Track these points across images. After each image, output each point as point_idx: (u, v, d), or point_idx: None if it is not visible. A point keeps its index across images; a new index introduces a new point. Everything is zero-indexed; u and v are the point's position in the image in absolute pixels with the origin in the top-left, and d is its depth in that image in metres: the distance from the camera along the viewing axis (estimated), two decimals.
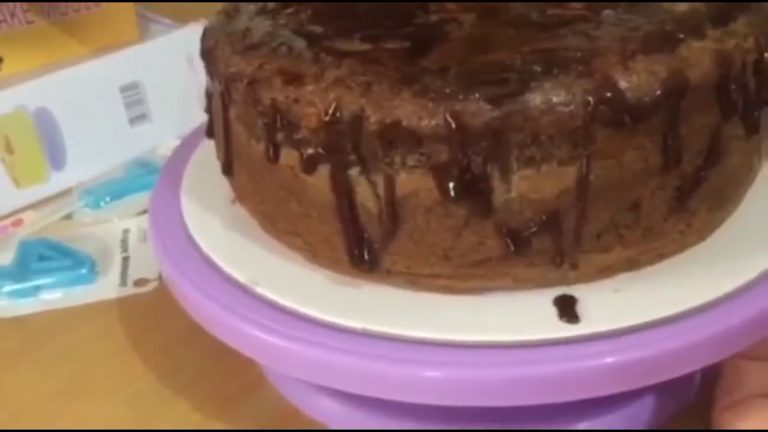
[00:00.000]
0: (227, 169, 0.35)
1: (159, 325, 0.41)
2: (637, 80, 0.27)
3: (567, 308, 0.29)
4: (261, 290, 0.31)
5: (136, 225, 0.49)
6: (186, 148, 0.41)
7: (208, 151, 0.39)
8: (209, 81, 0.35)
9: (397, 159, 0.27)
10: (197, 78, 0.57)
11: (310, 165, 0.29)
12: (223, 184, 0.36)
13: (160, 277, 0.44)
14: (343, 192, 0.29)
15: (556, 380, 0.27)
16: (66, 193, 0.53)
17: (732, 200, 0.32)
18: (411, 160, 0.27)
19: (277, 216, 0.32)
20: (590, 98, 0.26)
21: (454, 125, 0.26)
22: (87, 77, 0.53)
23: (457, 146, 0.27)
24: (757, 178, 0.33)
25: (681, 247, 0.30)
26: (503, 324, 0.28)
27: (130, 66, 0.54)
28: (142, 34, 0.56)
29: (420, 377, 0.28)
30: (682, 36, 0.28)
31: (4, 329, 0.42)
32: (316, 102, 0.28)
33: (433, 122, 0.27)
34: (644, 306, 0.28)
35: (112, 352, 0.40)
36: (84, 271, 0.45)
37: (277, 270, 0.32)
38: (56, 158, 0.53)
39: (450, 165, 0.27)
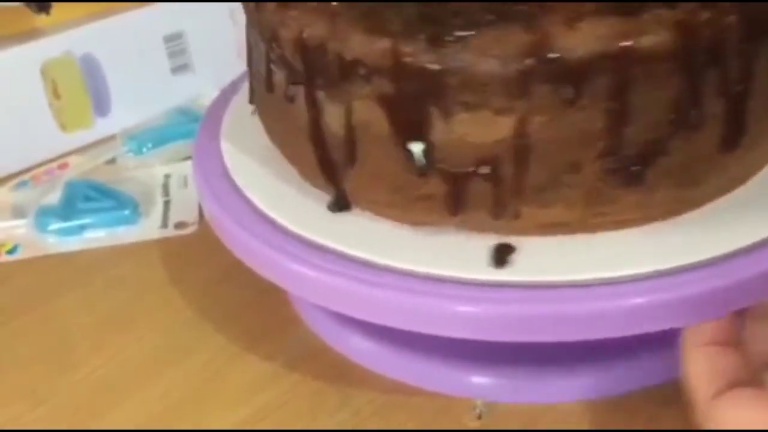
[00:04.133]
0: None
1: (198, 265, 0.43)
2: (578, 42, 0.26)
3: (501, 254, 0.29)
4: (300, 230, 0.32)
5: (177, 171, 0.51)
6: (226, 96, 0.43)
7: (246, 99, 0.40)
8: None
9: (353, 88, 0.29)
10: (238, 30, 0.58)
11: (290, 84, 0.32)
12: (259, 130, 0.38)
13: (199, 221, 0.46)
14: (313, 113, 0.31)
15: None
16: (110, 138, 0.54)
17: (708, 182, 0.30)
18: (364, 91, 0.29)
19: (279, 136, 0.35)
20: (525, 54, 0.27)
21: (394, 63, 0.28)
22: (132, 25, 0.54)
23: (400, 83, 0.28)
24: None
25: (643, 219, 0.30)
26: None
27: (173, 16, 0.55)
28: None
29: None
30: (648, 2, 0.27)
31: (53, 264, 0.44)
32: (292, 26, 0.30)
33: (378, 58, 0.28)
34: (572, 267, 0.29)
35: (153, 288, 0.42)
36: (127, 212, 0.47)
37: (314, 209, 0.33)
38: (101, 104, 0.55)
39: (395, 99, 0.29)
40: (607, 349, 0.33)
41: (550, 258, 0.29)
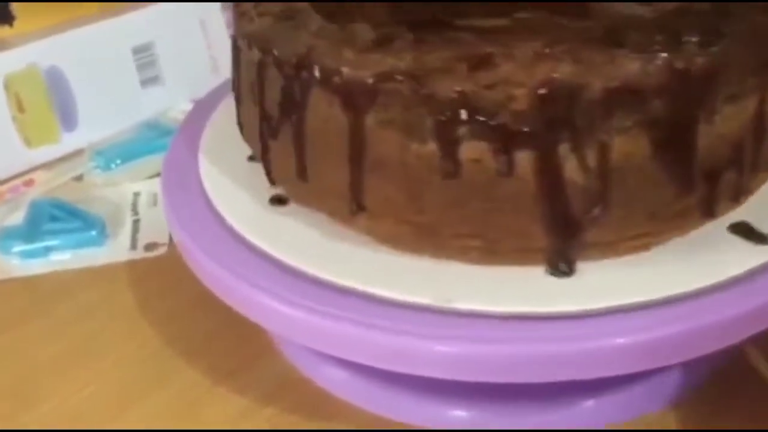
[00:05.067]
0: (353, 189, 0.30)
1: (169, 290, 0.41)
2: None
3: (752, 232, 0.30)
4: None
5: (147, 188, 0.49)
6: (201, 110, 0.41)
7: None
8: (285, 94, 0.31)
9: (614, 123, 0.27)
10: (209, 42, 0.56)
11: (510, 152, 0.27)
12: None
13: (169, 242, 0.44)
14: (553, 172, 0.27)
15: None
16: (77, 153, 0.52)
17: None
18: (628, 122, 0.27)
19: (444, 222, 0.29)
20: None
21: (672, 78, 0.27)
22: (100, 37, 0.52)
23: (678, 97, 0.27)
24: None
25: None
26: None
27: (143, 27, 0.54)
28: None
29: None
30: None
31: (15, 288, 0.43)
32: (524, 81, 0.27)
33: (658, 76, 0.27)
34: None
35: (122, 315, 0.40)
36: (94, 233, 0.45)
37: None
38: (67, 118, 0.53)
39: (668, 117, 0.27)
40: (589, 383, 0.32)
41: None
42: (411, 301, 0.28)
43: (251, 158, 0.36)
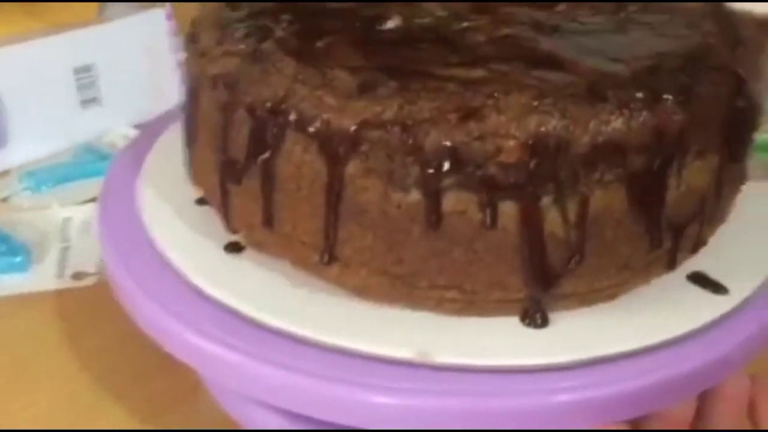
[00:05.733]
0: (327, 238, 0.29)
1: (97, 323, 0.39)
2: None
3: (709, 282, 0.31)
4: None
5: (79, 214, 0.47)
6: (145, 135, 0.40)
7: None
8: (254, 137, 0.29)
9: (595, 177, 0.27)
10: (154, 65, 0.55)
11: (495, 203, 0.27)
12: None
13: (100, 272, 0.42)
14: (535, 224, 0.27)
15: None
16: (5, 174, 0.50)
17: None
18: (609, 175, 0.28)
19: (422, 273, 0.29)
20: (732, 94, 0.30)
21: (656, 131, 0.27)
22: (40, 55, 0.50)
23: (656, 152, 0.28)
24: None
25: None
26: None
27: (85, 47, 0.52)
28: (101, 13, 0.54)
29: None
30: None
31: None
32: (514, 133, 0.26)
33: (641, 132, 0.27)
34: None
35: (45, 348, 0.38)
36: (18, 259, 0.43)
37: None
38: None
39: (645, 172, 0.28)
40: None
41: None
42: (385, 354, 0.28)
43: (200, 201, 0.34)
